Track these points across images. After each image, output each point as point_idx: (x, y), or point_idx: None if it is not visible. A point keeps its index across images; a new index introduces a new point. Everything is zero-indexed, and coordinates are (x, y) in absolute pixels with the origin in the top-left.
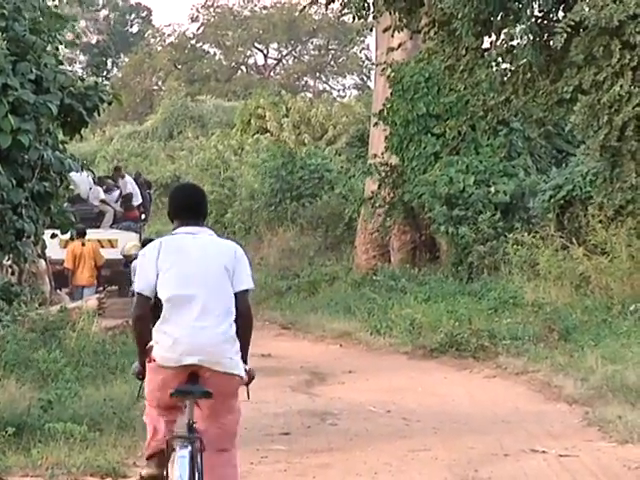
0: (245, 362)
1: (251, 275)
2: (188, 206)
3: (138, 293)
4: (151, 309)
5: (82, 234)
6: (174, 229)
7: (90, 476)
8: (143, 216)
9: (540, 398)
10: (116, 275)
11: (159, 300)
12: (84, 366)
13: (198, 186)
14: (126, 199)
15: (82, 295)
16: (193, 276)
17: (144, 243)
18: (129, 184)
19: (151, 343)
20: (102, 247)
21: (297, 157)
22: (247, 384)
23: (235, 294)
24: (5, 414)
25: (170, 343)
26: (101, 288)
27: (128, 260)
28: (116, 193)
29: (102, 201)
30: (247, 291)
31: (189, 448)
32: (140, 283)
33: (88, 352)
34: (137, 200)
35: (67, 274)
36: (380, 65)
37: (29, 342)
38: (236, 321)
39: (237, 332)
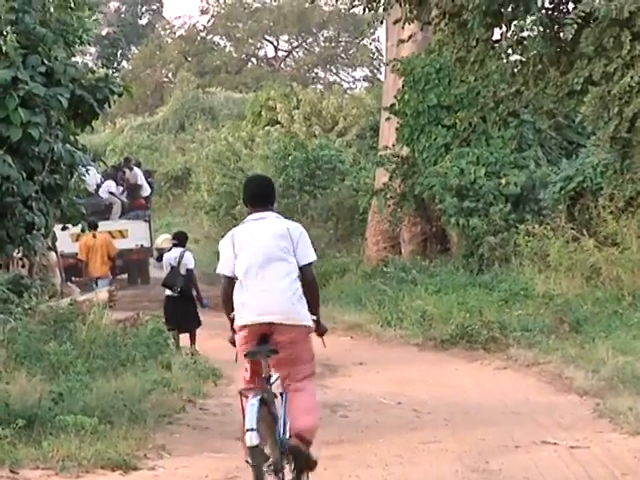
0: (316, 316)
1: (311, 247)
2: (257, 195)
3: (223, 275)
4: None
5: (94, 227)
6: (248, 214)
7: (101, 468)
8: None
9: (551, 390)
10: (127, 264)
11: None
12: (95, 358)
13: (266, 176)
14: (134, 190)
15: (96, 286)
16: (260, 254)
17: (175, 236)
18: (138, 176)
19: (233, 314)
20: (113, 238)
21: (309, 149)
22: (321, 335)
23: (300, 267)
24: (16, 406)
25: (245, 309)
26: (114, 276)
27: (161, 253)
28: (122, 185)
29: (111, 193)
30: (311, 263)
31: (259, 397)
32: (222, 267)
33: (99, 344)
34: (146, 192)
35: (81, 266)
36: (390, 60)
37: (40, 334)
38: (304, 288)
39: (305, 295)
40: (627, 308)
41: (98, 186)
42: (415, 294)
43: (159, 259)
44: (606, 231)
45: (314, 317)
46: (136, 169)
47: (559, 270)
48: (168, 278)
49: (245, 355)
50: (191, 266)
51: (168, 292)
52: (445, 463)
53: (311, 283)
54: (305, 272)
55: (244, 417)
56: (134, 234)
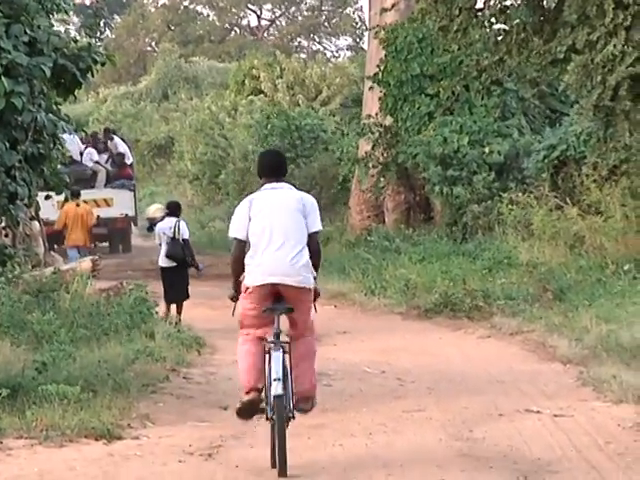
0: (315, 279)
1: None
2: (272, 167)
3: (234, 238)
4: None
5: (77, 195)
6: (262, 184)
7: (84, 437)
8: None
9: (534, 358)
10: (111, 233)
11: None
12: (78, 328)
13: (279, 151)
14: (119, 158)
15: (74, 255)
16: (275, 220)
17: (168, 206)
18: (119, 145)
19: (243, 275)
20: (98, 206)
21: (291, 117)
22: (315, 298)
23: (309, 234)
24: None
25: (258, 269)
26: (92, 245)
27: (152, 223)
28: (106, 154)
29: (96, 162)
30: (317, 232)
31: (281, 350)
32: (236, 231)
33: (82, 314)
34: (129, 159)
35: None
36: (373, 28)
37: (23, 304)
38: (310, 253)
39: (311, 259)
40: (610, 276)
41: (81, 154)
42: (399, 263)
43: (150, 229)
44: (589, 199)
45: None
46: (116, 138)
47: (542, 239)
48: (172, 249)
49: (264, 311)
50: (187, 236)
51: (165, 264)
52: (429, 432)
53: (316, 250)
54: (312, 239)
55: (247, 368)
56: (119, 203)
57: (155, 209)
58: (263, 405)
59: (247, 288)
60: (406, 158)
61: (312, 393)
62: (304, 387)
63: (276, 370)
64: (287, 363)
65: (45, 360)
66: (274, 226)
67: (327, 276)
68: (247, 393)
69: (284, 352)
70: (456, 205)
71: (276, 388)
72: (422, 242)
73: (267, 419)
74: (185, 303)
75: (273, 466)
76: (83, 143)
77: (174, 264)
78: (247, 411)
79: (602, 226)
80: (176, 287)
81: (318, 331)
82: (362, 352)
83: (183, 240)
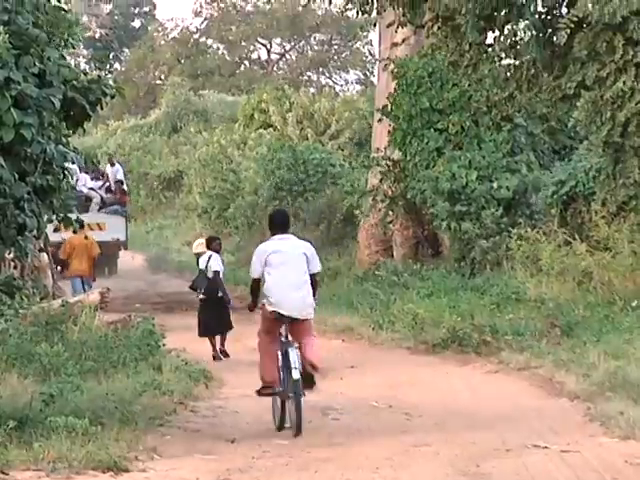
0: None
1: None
2: (280, 224)
3: (253, 278)
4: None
5: (82, 226)
6: (272, 235)
7: (92, 470)
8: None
9: (542, 394)
10: (102, 256)
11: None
12: (86, 360)
13: (285, 210)
14: (117, 185)
15: (78, 285)
16: (286, 263)
17: (208, 241)
18: (119, 172)
19: (263, 301)
20: (91, 230)
21: (298, 152)
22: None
23: (311, 275)
24: (7, 408)
25: (275, 300)
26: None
27: (198, 257)
28: (101, 181)
29: (90, 188)
30: (318, 272)
31: (295, 346)
32: (253, 272)
33: (90, 346)
34: (126, 186)
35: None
36: (383, 60)
37: (31, 336)
38: (312, 287)
39: (313, 289)
40: (618, 312)
41: (76, 180)
42: (407, 297)
43: (198, 263)
44: (598, 235)
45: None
46: (117, 165)
47: (551, 274)
48: (194, 280)
49: (275, 318)
50: (217, 268)
51: (200, 297)
52: (436, 466)
53: (316, 284)
54: (314, 277)
55: (268, 361)
56: (111, 227)
57: (197, 244)
58: (275, 390)
59: (268, 310)
60: (414, 193)
61: (318, 362)
62: (309, 355)
63: (294, 360)
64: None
65: (52, 392)
66: (286, 270)
67: (335, 310)
68: (266, 384)
69: (297, 348)
70: (464, 240)
71: (295, 374)
72: (430, 277)
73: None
74: (193, 336)
75: (279, 429)
76: (81, 171)
77: (205, 297)
78: (264, 394)
79: (610, 262)
80: (205, 320)
81: (326, 365)
82: (369, 386)
83: (214, 272)
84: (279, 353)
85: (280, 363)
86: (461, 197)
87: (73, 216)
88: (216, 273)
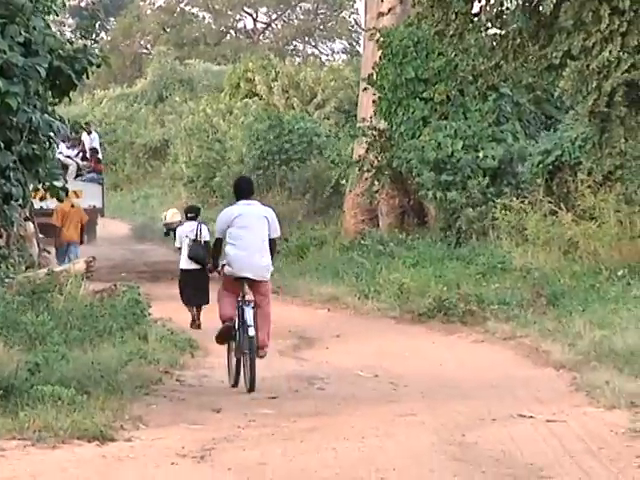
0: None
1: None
2: (244, 190)
3: (217, 237)
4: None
5: (67, 193)
6: (237, 201)
7: (77, 439)
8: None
9: (528, 363)
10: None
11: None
12: (72, 329)
13: (250, 178)
14: (92, 152)
15: (68, 250)
16: (248, 226)
17: (190, 210)
18: (95, 140)
19: (223, 262)
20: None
21: (284, 120)
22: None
23: (271, 239)
24: None
25: (234, 264)
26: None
27: (170, 228)
28: (77, 149)
29: (67, 156)
30: (278, 237)
31: (243, 305)
32: (219, 232)
33: (76, 315)
34: (101, 154)
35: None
36: (369, 30)
37: (17, 305)
38: (271, 249)
39: (270, 252)
40: (604, 282)
41: None
42: (392, 267)
43: (167, 234)
44: (584, 205)
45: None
46: (94, 133)
47: (536, 244)
48: (194, 251)
49: (234, 279)
50: (208, 238)
51: (186, 266)
52: (421, 436)
53: (275, 248)
54: (274, 242)
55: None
56: (87, 195)
57: (172, 214)
58: (233, 333)
59: (226, 273)
60: (400, 162)
61: (266, 344)
62: (262, 339)
63: (249, 318)
64: (249, 315)
65: (38, 361)
66: (247, 232)
67: (321, 279)
68: (224, 322)
69: (253, 307)
70: (450, 210)
71: (250, 330)
72: (416, 246)
73: (235, 351)
74: (179, 305)
75: (233, 386)
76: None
77: (196, 267)
78: (224, 336)
79: (596, 232)
80: (198, 290)
81: (312, 335)
82: (355, 356)
83: (204, 242)
84: (236, 306)
85: (236, 318)
86: (447, 166)
87: (59, 184)
88: (207, 243)
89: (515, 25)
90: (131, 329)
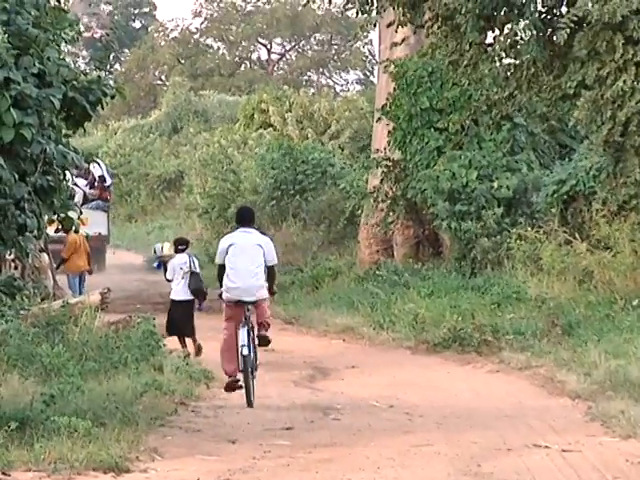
0: (271, 288)
1: (275, 255)
2: (244, 218)
3: (218, 264)
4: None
5: (76, 230)
6: (237, 228)
7: (93, 470)
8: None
9: (543, 393)
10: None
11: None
12: (87, 360)
13: (250, 207)
14: (99, 181)
15: (81, 279)
16: (241, 254)
17: (181, 242)
18: (101, 169)
19: (222, 289)
20: None
21: (296, 150)
22: (272, 294)
23: (269, 267)
24: (8, 409)
25: (230, 290)
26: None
27: (163, 260)
28: (85, 178)
29: (74, 184)
30: (275, 265)
31: (247, 327)
32: (218, 259)
33: (91, 346)
34: (108, 182)
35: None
36: (383, 62)
37: (32, 337)
38: (269, 276)
39: (268, 280)
40: (619, 312)
41: None
42: (407, 297)
43: (159, 266)
44: (599, 235)
45: (271, 290)
46: (100, 162)
47: (551, 273)
48: (195, 283)
49: (234, 303)
50: (199, 270)
51: (180, 297)
52: (437, 466)
53: (274, 275)
54: (271, 269)
55: (227, 353)
56: (93, 222)
57: (168, 247)
58: (240, 384)
59: (226, 297)
60: (415, 193)
61: (268, 322)
62: (263, 317)
63: (242, 339)
64: (251, 336)
65: (53, 393)
66: (244, 260)
67: (336, 310)
68: (229, 375)
69: (249, 329)
70: (465, 240)
71: (243, 350)
72: (431, 276)
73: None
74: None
75: (249, 406)
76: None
77: (188, 298)
78: (231, 388)
79: (611, 261)
80: (183, 322)
81: (327, 365)
82: (370, 386)
83: (198, 274)
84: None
85: (239, 374)
86: (461, 196)
87: (74, 215)
88: (199, 275)
89: (529, 55)
90: (146, 360)
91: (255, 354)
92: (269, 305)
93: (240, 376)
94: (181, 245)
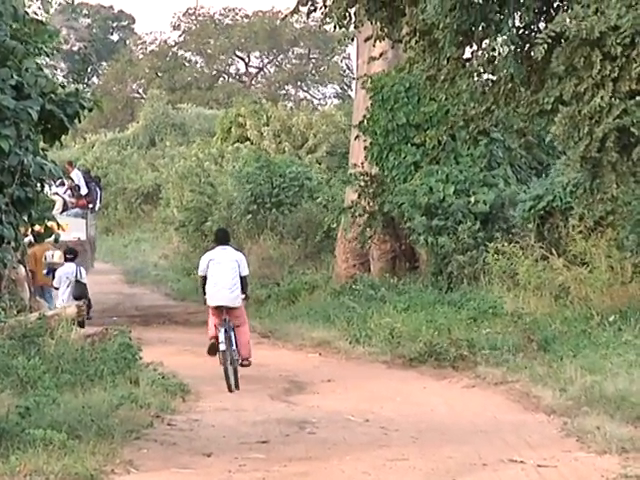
0: (245, 294)
1: (247, 267)
2: (221, 238)
3: (201, 276)
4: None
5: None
6: (215, 247)
7: None
8: (90, 205)
9: (519, 408)
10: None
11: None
12: (63, 373)
13: (226, 229)
14: (75, 189)
15: (45, 292)
16: (221, 268)
17: (65, 252)
18: (77, 178)
19: (205, 296)
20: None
21: (273, 164)
22: (247, 299)
23: (242, 277)
24: None
25: (210, 296)
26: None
27: (52, 269)
28: (64, 186)
29: (55, 193)
30: (247, 275)
31: (225, 327)
32: (201, 272)
33: (67, 359)
34: (83, 191)
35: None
36: (360, 77)
37: (8, 349)
38: (242, 284)
39: (242, 286)
40: (595, 327)
41: None
42: (384, 311)
43: (49, 273)
44: (575, 250)
45: (244, 295)
46: (77, 170)
47: (528, 289)
48: (78, 291)
49: (215, 307)
50: (86, 280)
51: (64, 304)
52: None
53: (246, 283)
54: (243, 279)
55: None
56: (72, 228)
57: (59, 256)
58: (217, 347)
59: (209, 305)
60: (392, 207)
61: (249, 356)
62: (244, 353)
63: (221, 338)
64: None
65: (29, 405)
66: (221, 272)
67: (312, 324)
68: (211, 339)
69: (226, 329)
70: (441, 255)
71: (221, 346)
72: (407, 291)
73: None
74: (170, 350)
75: (229, 390)
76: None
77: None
78: (212, 350)
79: (587, 277)
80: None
81: (303, 379)
82: (346, 400)
83: (85, 283)
84: (219, 327)
85: (220, 335)
86: (438, 211)
87: (53, 225)
88: (84, 285)
89: (506, 70)
90: (122, 373)
91: (235, 350)
92: (246, 322)
93: (220, 335)
94: (69, 254)
